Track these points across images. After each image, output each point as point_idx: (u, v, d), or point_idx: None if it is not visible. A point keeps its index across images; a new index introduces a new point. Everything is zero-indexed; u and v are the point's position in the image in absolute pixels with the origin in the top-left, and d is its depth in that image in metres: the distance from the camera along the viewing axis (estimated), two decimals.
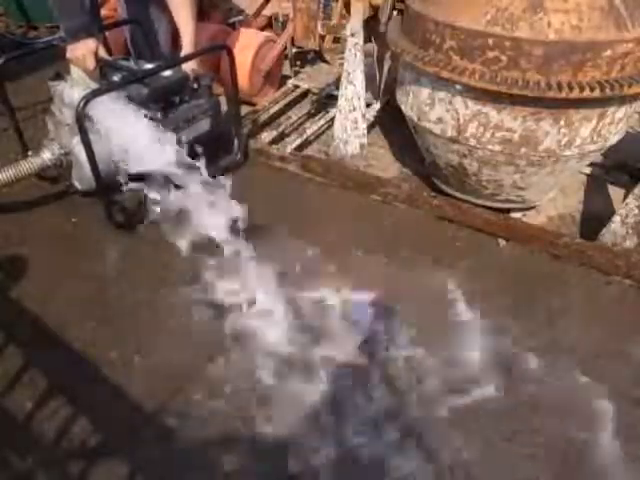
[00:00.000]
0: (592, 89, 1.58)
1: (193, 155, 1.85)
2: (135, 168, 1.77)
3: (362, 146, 2.39)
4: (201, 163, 1.74)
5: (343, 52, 2.33)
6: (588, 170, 2.36)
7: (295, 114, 2.85)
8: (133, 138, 1.76)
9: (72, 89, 1.89)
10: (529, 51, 1.60)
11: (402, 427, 1.37)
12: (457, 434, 1.36)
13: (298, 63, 3.39)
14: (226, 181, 1.72)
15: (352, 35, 2.21)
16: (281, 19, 3.47)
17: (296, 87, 3.06)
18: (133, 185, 1.82)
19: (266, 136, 2.56)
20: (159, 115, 1.94)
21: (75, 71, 2.00)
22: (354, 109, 2.30)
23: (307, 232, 1.99)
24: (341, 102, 2.33)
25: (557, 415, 1.41)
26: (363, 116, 2.34)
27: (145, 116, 1.89)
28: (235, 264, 1.80)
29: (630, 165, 2.35)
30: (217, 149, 2.35)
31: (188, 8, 2.08)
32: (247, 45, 2.81)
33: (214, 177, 1.76)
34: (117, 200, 2.01)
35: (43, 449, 1.32)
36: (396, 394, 1.45)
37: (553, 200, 2.25)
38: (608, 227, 1.89)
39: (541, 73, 1.62)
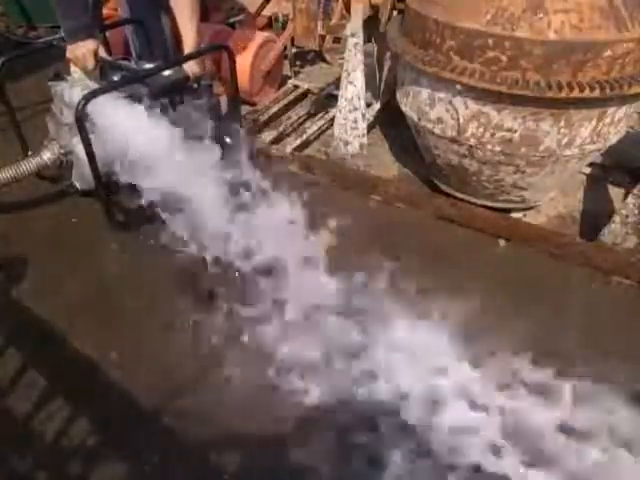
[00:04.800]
0: (592, 89, 1.58)
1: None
2: (138, 166, 1.77)
3: (362, 146, 2.39)
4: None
5: (343, 52, 2.34)
6: (588, 170, 2.36)
7: (295, 114, 2.85)
8: (131, 138, 1.76)
9: (72, 89, 1.89)
10: (529, 51, 1.60)
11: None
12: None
13: (298, 63, 3.40)
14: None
15: (352, 35, 2.21)
16: (281, 19, 3.48)
17: (296, 87, 3.06)
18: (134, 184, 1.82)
19: (266, 136, 2.56)
20: (159, 115, 1.94)
21: (75, 71, 2.00)
22: (354, 109, 2.30)
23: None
24: (341, 102, 2.33)
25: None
26: (363, 116, 2.34)
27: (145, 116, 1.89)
28: (236, 263, 1.80)
29: (630, 165, 2.35)
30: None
31: (191, 9, 2.08)
32: (247, 45, 2.81)
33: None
34: (117, 200, 2.01)
35: (43, 449, 1.32)
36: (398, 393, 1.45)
37: (553, 200, 2.25)
38: (608, 227, 1.89)
39: (541, 73, 1.62)
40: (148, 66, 2.00)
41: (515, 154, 1.82)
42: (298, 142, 2.53)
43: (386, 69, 2.68)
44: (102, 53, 2.00)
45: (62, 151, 1.95)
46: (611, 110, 1.72)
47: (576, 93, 1.58)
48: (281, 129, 2.65)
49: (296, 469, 1.29)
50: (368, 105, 2.53)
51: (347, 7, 2.35)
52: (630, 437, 1.33)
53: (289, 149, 2.45)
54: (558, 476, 1.25)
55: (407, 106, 2.07)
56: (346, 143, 2.37)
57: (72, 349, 1.57)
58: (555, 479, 1.25)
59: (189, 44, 2.10)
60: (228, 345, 1.59)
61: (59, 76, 1.99)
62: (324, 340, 1.60)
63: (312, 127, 2.66)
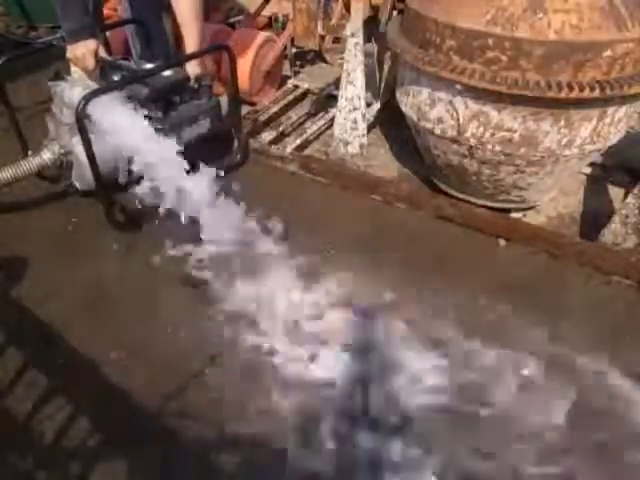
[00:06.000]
0: (592, 89, 1.58)
1: (193, 155, 1.85)
2: (134, 168, 1.77)
3: (362, 146, 2.39)
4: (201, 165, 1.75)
5: (343, 52, 2.34)
6: (588, 170, 2.36)
7: (295, 114, 2.85)
8: (132, 139, 1.76)
9: (72, 89, 1.89)
10: (529, 51, 1.60)
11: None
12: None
13: (298, 63, 3.40)
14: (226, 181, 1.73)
15: (352, 35, 2.21)
16: (281, 19, 3.48)
17: (296, 87, 3.06)
18: (134, 185, 1.83)
19: (266, 136, 2.57)
20: (159, 115, 1.94)
21: (75, 71, 2.00)
22: (354, 109, 2.30)
23: (307, 232, 1.99)
24: (341, 102, 2.33)
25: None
26: (363, 116, 2.34)
27: (145, 116, 1.90)
28: (236, 264, 1.81)
29: (630, 165, 2.35)
30: (217, 149, 2.35)
31: (193, 13, 2.08)
32: (247, 45, 2.81)
33: (215, 176, 1.77)
34: (117, 200, 2.01)
35: (43, 449, 1.32)
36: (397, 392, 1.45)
37: (553, 200, 2.25)
38: (608, 227, 1.89)
39: (541, 73, 1.62)
40: (148, 66, 2.00)
41: (515, 154, 1.82)
42: (298, 142, 2.53)
43: (386, 69, 2.68)
44: (102, 53, 2.00)
45: (62, 151, 1.95)
46: (611, 110, 1.72)
47: (576, 93, 1.58)
48: (281, 129, 2.65)
49: (296, 469, 1.29)
50: (368, 105, 2.53)
51: (347, 7, 2.35)
52: None
53: (289, 149, 2.45)
54: None
55: (407, 106, 2.07)
56: (346, 143, 2.37)
57: (72, 349, 1.56)
58: None
59: (191, 47, 2.11)
60: (230, 346, 1.59)
61: (59, 76, 1.99)
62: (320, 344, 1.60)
63: (312, 127, 2.67)
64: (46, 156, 1.96)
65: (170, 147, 1.77)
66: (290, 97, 2.96)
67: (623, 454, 1.31)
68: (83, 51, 1.91)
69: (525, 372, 1.51)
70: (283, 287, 1.76)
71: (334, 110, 2.51)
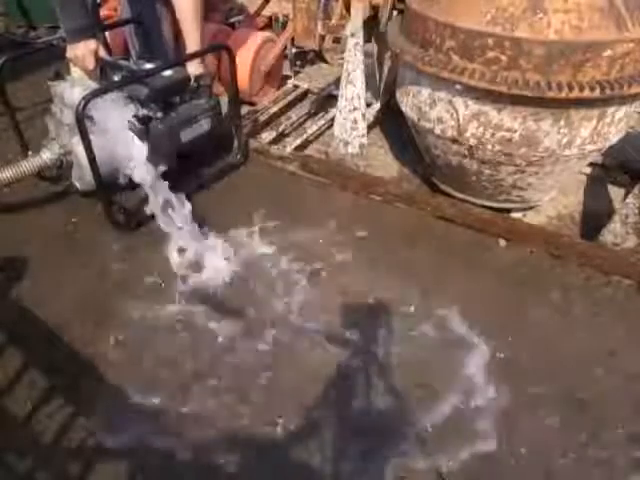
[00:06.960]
0: (592, 89, 1.58)
1: (193, 155, 1.86)
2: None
3: (362, 146, 2.39)
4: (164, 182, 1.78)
5: (343, 52, 2.34)
6: (588, 170, 2.36)
7: (295, 114, 2.85)
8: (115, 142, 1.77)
9: (72, 89, 1.89)
10: (529, 51, 1.60)
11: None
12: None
13: (298, 63, 3.40)
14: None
15: (352, 35, 2.21)
16: (281, 19, 3.48)
17: (296, 87, 3.06)
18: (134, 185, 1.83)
19: (266, 136, 2.57)
20: (159, 115, 1.95)
21: (75, 71, 2.00)
22: (354, 109, 2.31)
23: (306, 232, 1.99)
24: (341, 102, 2.33)
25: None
26: (363, 116, 2.34)
27: (145, 116, 1.90)
28: (236, 263, 1.81)
29: (630, 165, 2.35)
30: (217, 149, 2.35)
31: (194, 14, 2.08)
32: (247, 45, 2.81)
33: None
34: (117, 200, 2.01)
35: (43, 449, 1.32)
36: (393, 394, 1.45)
37: (553, 200, 2.25)
38: (608, 227, 1.89)
39: (541, 73, 1.62)
40: (148, 66, 2.00)
41: (515, 154, 1.82)
42: (298, 142, 2.53)
43: (386, 69, 2.68)
44: (102, 53, 2.00)
45: (62, 151, 1.95)
46: (611, 110, 1.72)
47: (576, 93, 1.58)
48: (281, 129, 2.65)
49: (296, 469, 1.29)
50: (368, 105, 2.53)
51: (347, 7, 2.35)
52: None
53: (289, 149, 2.45)
54: None
55: (407, 106, 2.07)
56: (346, 143, 2.37)
57: (72, 349, 1.56)
58: None
59: (191, 47, 2.10)
60: (229, 344, 1.59)
61: (59, 76, 1.99)
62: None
63: (312, 127, 2.66)
64: (46, 156, 1.96)
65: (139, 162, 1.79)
66: (290, 97, 2.96)
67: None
68: (83, 51, 1.91)
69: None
70: (282, 288, 1.76)
71: (334, 110, 2.51)
